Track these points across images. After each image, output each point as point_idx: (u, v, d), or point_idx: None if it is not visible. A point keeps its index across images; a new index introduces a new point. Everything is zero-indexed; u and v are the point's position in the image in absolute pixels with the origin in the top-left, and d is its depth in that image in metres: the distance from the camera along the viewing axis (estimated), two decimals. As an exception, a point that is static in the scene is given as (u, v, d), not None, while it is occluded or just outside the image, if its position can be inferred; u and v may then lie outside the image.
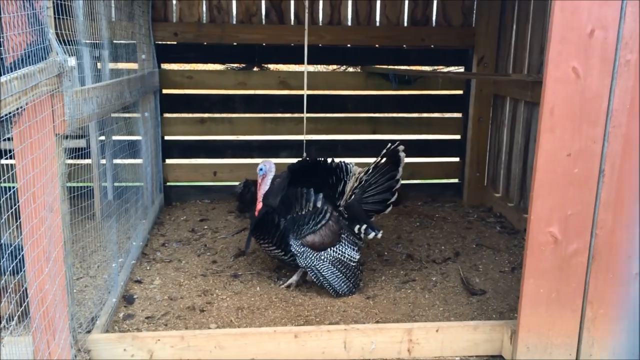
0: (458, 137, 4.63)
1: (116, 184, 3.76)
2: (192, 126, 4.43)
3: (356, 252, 2.87)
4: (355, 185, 2.87)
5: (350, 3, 4.30)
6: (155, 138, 4.11)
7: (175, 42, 4.27)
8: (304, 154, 3.97)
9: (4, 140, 1.81)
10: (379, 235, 2.83)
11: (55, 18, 2.01)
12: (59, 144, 2.00)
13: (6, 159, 1.81)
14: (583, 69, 1.99)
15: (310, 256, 2.82)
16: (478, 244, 3.63)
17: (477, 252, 3.49)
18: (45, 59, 1.92)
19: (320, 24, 4.30)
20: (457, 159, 4.67)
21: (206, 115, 4.44)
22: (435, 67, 4.90)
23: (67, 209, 2.06)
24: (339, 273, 2.84)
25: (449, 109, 4.73)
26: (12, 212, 1.77)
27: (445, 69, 4.98)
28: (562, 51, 1.97)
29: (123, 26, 3.62)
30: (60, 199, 1.99)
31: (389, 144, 2.90)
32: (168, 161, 4.46)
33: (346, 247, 2.85)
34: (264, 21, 4.27)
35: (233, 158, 4.51)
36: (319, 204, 2.83)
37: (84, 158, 3.45)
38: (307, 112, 4.01)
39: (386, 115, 4.60)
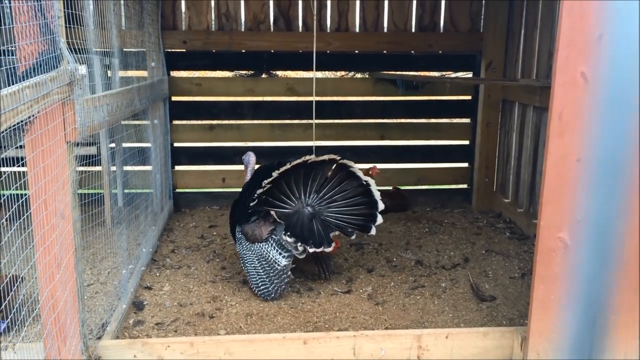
0: (467, 142, 4.62)
1: (126, 191, 3.79)
2: (201, 133, 4.46)
3: (283, 258, 2.83)
4: (261, 192, 2.82)
5: (357, 10, 4.32)
6: (164, 145, 4.14)
7: (184, 50, 4.30)
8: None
9: (16, 148, 1.84)
10: (311, 250, 2.79)
11: (66, 27, 2.03)
12: (70, 151, 2.02)
13: (18, 166, 1.83)
14: (591, 73, 1.99)
15: (244, 244, 2.91)
16: (487, 249, 3.61)
17: (486, 258, 3.47)
18: (57, 67, 1.94)
19: (328, 31, 4.32)
20: (465, 165, 4.66)
21: (215, 122, 4.46)
22: (443, 73, 4.90)
23: (78, 216, 2.08)
24: (261, 270, 2.85)
25: (457, 114, 4.73)
26: (23, 219, 1.79)
27: (453, 74, 4.98)
28: (570, 56, 1.97)
29: (133, 35, 3.66)
30: (71, 206, 2.01)
31: (307, 156, 2.85)
32: (177, 168, 4.49)
33: (272, 248, 2.85)
34: (272, 28, 4.30)
35: (242, 164, 4.51)
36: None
37: (95, 165, 3.48)
38: (316, 118, 4.03)
39: (394, 120, 4.60)
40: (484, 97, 4.38)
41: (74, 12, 2.17)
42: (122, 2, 3.67)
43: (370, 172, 4.25)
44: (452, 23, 4.37)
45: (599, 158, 2.05)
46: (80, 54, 2.13)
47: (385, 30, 4.37)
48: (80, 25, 2.30)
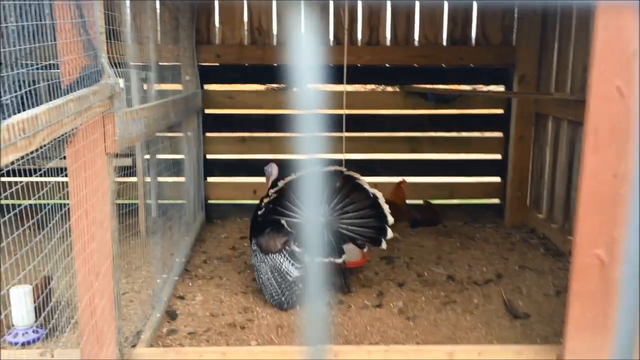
0: (499, 156, 4.57)
1: (160, 202, 3.86)
2: (233, 145, 4.52)
3: (295, 269, 2.87)
4: (267, 201, 2.92)
5: (388, 23, 4.34)
6: (197, 157, 4.21)
7: (217, 64, 4.38)
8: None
9: (61, 159, 1.90)
10: (317, 260, 2.79)
11: (107, 42, 2.11)
12: (109, 162, 2.08)
13: (62, 176, 1.90)
14: (628, 88, 1.96)
15: (259, 256, 2.94)
16: (521, 266, 3.55)
17: (520, 275, 3.42)
18: (98, 81, 2.01)
19: (359, 44, 4.35)
20: (497, 179, 4.61)
21: (247, 134, 4.52)
22: (475, 86, 4.87)
23: (115, 225, 2.14)
24: (273, 281, 2.88)
25: (489, 128, 4.69)
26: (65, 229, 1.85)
27: (485, 88, 4.95)
28: (606, 70, 1.95)
29: (169, 49, 3.76)
30: (109, 216, 2.07)
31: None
32: (210, 179, 4.56)
33: (285, 259, 2.88)
34: (304, 42, 4.34)
35: (272, 177, 4.56)
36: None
37: (130, 176, 3.57)
38: (346, 131, 4.05)
39: (425, 134, 4.59)
40: (517, 111, 4.34)
41: (114, 28, 2.25)
42: (158, 18, 3.78)
43: (400, 185, 4.26)
44: (483, 36, 4.35)
45: (635, 174, 2.01)
46: (118, 67, 2.21)
47: (416, 43, 4.38)
48: (120, 41, 2.39)
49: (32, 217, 1.72)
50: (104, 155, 2.04)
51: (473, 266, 3.53)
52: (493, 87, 4.66)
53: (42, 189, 1.77)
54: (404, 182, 4.28)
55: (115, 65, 2.18)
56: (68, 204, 1.90)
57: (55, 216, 1.87)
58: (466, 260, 3.64)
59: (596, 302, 2.12)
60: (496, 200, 4.64)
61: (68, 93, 1.78)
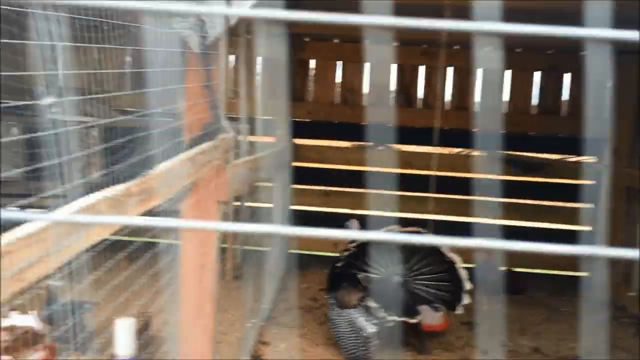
0: (589, 228, 4.44)
1: (248, 248, 4.02)
2: (317, 198, 4.67)
3: (370, 325, 2.88)
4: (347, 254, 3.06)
5: (478, 89, 4.42)
6: (284, 207, 4.38)
7: (308, 120, 4.60)
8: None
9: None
10: (391, 318, 2.86)
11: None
12: (220, 209, 2.25)
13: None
14: None
15: (335, 310, 3.01)
16: (611, 345, 3.38)
17: (610, 354, 3.25)
18: (217, 136, 2.21)
19: (448, 109, 4.44)
20: (585, 251, 4.45)
21: (331, 188, 4.66)
22: (564, 156, 4.81)
23: (218, 268, 2.28)
24: (349, 336, 2.90)
25: (578, 199, 4.58)
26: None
27: (575, 158, 4.87)
28: None
29: (268, 105, 4.01)
30: (214, 259, 2.22)
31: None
32: (293, 230, 4.69)
33: (360, 315, 2.90)
34: (392, 103, 4.50)
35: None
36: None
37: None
38: (430, 192, 4.10)
39: (512, 200, 4.55)
40: (609, 183, 4.23)
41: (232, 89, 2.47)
42: (260, 77, 4.07)
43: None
44: (575, 106, 4.33)
45: None
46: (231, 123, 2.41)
47: (506, 110, 4.41)
48: (233, 99, 2.61)
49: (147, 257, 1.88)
50: (216, 204, 2.21)
51: (561, 340, 3.41)
52: (584, 158, 4.59)
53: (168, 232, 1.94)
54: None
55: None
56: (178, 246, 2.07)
57: (167, 257, 2.04)
58: (553, 334, 3.51)
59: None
60: (586, 273, 4.46)
61: (192, 147, 1.97)
